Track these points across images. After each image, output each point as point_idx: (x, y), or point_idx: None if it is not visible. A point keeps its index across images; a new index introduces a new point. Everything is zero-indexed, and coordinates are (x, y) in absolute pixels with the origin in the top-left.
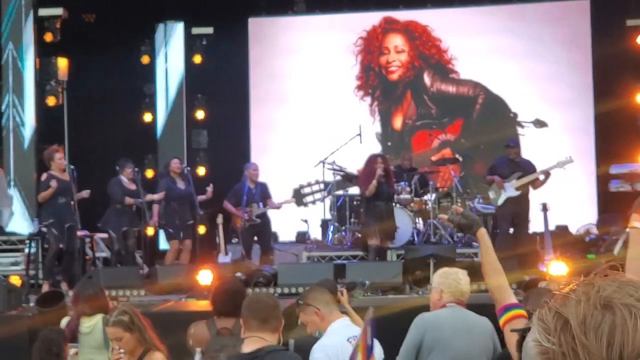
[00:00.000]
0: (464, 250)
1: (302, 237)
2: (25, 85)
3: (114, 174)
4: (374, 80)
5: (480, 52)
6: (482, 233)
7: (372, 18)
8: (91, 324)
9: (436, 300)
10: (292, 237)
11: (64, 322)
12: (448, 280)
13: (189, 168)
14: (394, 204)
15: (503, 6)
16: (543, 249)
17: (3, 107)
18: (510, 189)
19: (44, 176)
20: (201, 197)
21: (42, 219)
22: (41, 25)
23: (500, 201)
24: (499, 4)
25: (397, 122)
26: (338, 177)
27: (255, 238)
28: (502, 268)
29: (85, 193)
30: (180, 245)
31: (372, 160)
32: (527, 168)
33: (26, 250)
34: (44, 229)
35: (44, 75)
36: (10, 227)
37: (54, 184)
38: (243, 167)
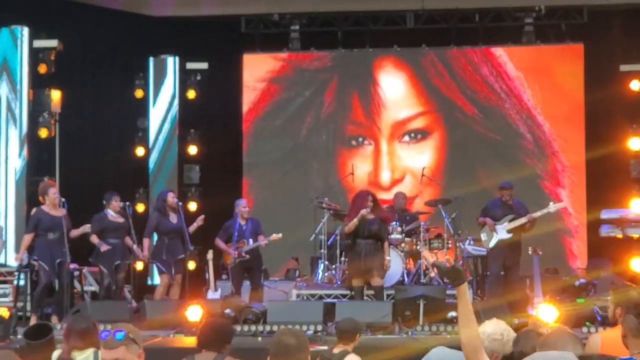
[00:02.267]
0: (454, 292)
1: (291, 275)
2: (18, 116)
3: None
4: (369, 119)
5: (472, 93)
6: (465, 288)
7: (367, 56)
8: (82, 358)
9: None
10: (281, 275)
11: (55, 355)
12: (487, 339)
13: (180, 203)
14: (376, 241)
15: (495, 48)
16: (533, 292)
17: None
18: (502, 232)
19: (33, 211)
20: (192, 226)
21: (33, 254)
22: (35, 56)
23: (492, 244)
24: (492, 46)
25: None
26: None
27: (246, 275)
28: (475, 321)
29: (86, 228)
30: (170, 280)
31: (360, 196)
32: (519, 211)
33: (15, 283)
34: (34, 263)
35: (37, 106)
36: (0, 259)
37: (26, 240)
38: (234, 204)
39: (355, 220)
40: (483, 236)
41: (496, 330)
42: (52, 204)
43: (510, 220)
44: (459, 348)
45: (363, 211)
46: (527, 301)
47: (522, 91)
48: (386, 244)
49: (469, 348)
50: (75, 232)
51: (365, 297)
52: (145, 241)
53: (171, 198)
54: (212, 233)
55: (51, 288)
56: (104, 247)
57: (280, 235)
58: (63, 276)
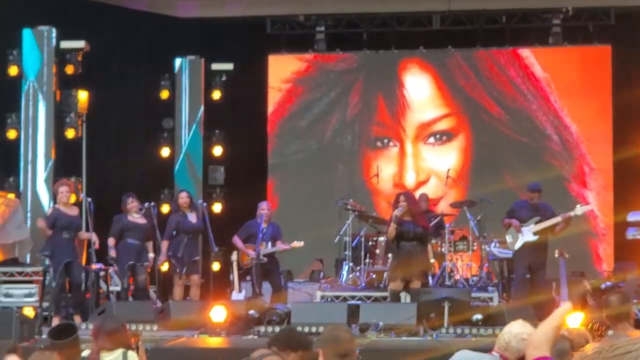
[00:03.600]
0: (479, 294)
1: (316, 276)
2: (45, 117)
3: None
4: (394, 120)
5: (498, 95)
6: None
7: (392, 57)
8: (111, 359)
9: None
10: (305, 276)
11: (85, 354)
12: (515, 339)
13: (205, 204)
14: (420, 243)
15: (522, 49)
16: (559, 295)
17: (22, 138)
18: (528, 234)
19: (49, 211)
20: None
21: (46, 254)
22: (62, 57)
23: (517, 246)
24: (519, 47)
25: None
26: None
27: (265, 277)
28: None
29: (87, 235)
30: (180, 279)
31: (395, 200)
32: (546, 213)
33: (41, 282)
34: (45, 260)
35: (64, 107)
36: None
37: (41, 223)
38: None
39: (393, 223)
40: (508, 238)
41: (523, 330)
42: (62, 202)
43: (537, 222)
44: (483, 350)
45: (395, 211)
46: (553, 304)
47: (549, 92)
48: (429, 246)
49: (546, 335)
50: (83, 235)
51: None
52: (164, 244)
53: (181, 198)
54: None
55: (63, 288)
56: (112, 253)
57: (301, 243)
58: (75, 276)
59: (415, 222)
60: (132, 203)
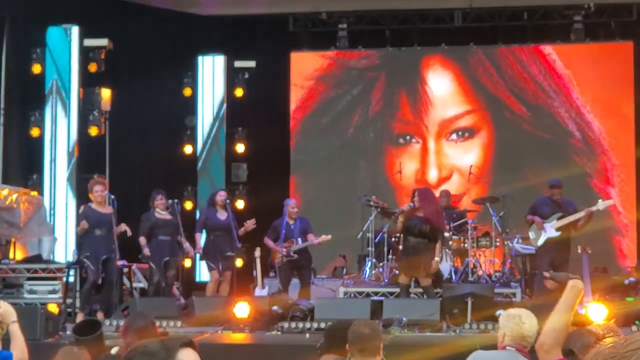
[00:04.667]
0: (502, 290)
1: (339, 272)
2: (69, 115)
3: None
4: (417, 117)
5: (520, 92)
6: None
7: (415, 54)
8: None
9: (499, 342)
10: (328, 272)
11: (114, 351)
12: (510, 323)
13: (228, 201)
14: (428, 240)
15: (544, 46)
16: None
17: (45, 136)
18: (550, 230)
19: (81, 208)
20: (240, 231)
21: (80, 251)
22: (86, 55)
23: (540, 242)
24: (541, 44)
25: None
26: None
27: (295, 273)
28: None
29: (123, 227)
30: (220, 276)
31: (412, 194)
32: (568, 209)
33: (64, 279)
34: (83, 260)
35: (87, 105)
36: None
37: (84, 225)
38: (283, 203)
39: (400, 217)
40: (531, 234)
41: (514, 311)
42: (97, 201)
43: (559, 219)
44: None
45: (404, 206)
46: None
47: (571, 89)
48: (438, 244)
49: (554, 335)
50: (118, 229)
51: (412, 295)
52: (197, 236)
53: (219, 196)
54: (260, 231)
55: (98, 285)
56: (146, 251)
57: (329, 237)
58: (110, 273)
59: (423, 220)
60: (160, 200)
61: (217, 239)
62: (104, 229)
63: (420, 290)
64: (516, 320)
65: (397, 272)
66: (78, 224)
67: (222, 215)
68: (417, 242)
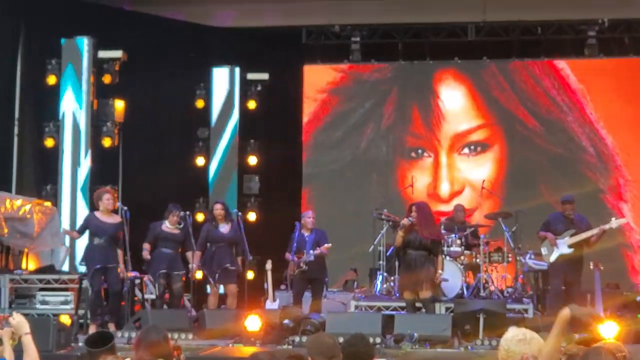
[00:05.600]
0: (514, 306)
1: (350, 286)
2: (82, 126)
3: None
4: (429, 131)
5: (533, 106)
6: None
7: (427, 68)
8: None
9: None
10: (339, 286)
11: None
12: (519, 344)
13: (239, 213)
14: (428, 253)
15: (557, 60)
16: (593, 307)
17: (59, 147)
18: (563, 246)
19: (87, 215)
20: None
21: (80, 260)
22: (100, 67)
23: (552, 258)
24: (554, 59)
25: None
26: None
27: (308, 285)
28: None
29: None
30: (214, 287)
31: (407, 209)
32: (581, 225)
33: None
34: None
35: (101, 116)
36: (64, 266)
37: (73, 234)
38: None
39: (400, 232)
40: (543, 250)
41: (517, 332)
42: (106, 209)
43: (572, 235)
44: None
45: (404, 220)
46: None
47: (584, 104)
48: (440, 257)
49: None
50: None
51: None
52: (196, 254)
53: (216, 209)
54: (270, 243)
55: (99, 295)
56: (145, 254)
57: (329, 245)
58: (112, 283)
59: (421, 234)
60: (174, 217)
61: (218, 250)
62: (104, 238)
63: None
64: (522, 337)
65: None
66: (79, 228)
67: (223, 227)
68: (418, 254)
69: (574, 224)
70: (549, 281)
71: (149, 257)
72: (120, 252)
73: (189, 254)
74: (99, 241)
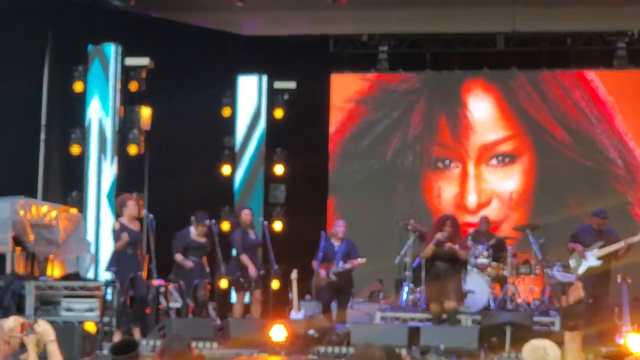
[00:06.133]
0: (540, 319)
1: (375, 297)
2: (109, 133)
3: (189, 224)
4: (456, 141)
5: (562, 117)
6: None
7: (455, 78)
8: None
9: None
10: (365, 296)
11: None
12: (535, 355)
13: (266, 222)
14: (454, 264)
15: (587, 71)
16: (621, 320)
17: (85, 153)
18: (591, 259)
19: (116, 225)
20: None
21: (110, 269)
22: (127, 74)
23: (581, 270)
24: (584, 69)
25: None
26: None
27: (335, 296)
28: None
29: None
30: (242, 295)
31: (440, 220)
32: (610, 237)
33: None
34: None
35: (127, 123)
36: (89, 273)
37: (125, 236)
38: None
39: (432, 245)
40: (572, 262)
41: (539, 343)
42: (131, 216)
43: (600, 247)
44: None
45: (439, 235)
46: (616, 330)
47: (614, 116)
48: (463, 269)
49: None
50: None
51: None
52: (244, 257)
53: (245, 215)
54: (296, 252)
55: (129, 303)
56: (188, 263)
57: (364, 259)
58: (139, 290)
59: (452, 248)
60: (202, 226)
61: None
62: (135, 247)
63: (458, 317)
64: (542, 352)
65: None
66: (117, 239)
67: (251, 234)
68: (447, 267)
69: (602, 236)
70: None
71: (192, 264)
72: (145, 258)
73: (178, 256)
74: (130, 250)
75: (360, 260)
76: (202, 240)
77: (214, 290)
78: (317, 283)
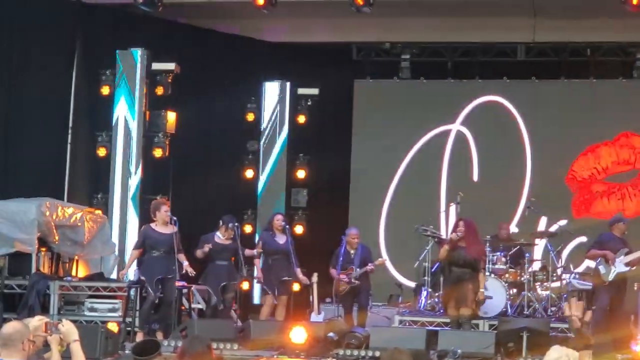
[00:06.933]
0: (557, 325)
1: (394, 301)
2: (135, 136)
3: (215, 227)
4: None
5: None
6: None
7: (475, 87)
8: None
9: None
10: (384, 300)
11: None
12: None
13: (288, 226)
14: (472, 270)
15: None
16: (637, 328)
17: (111, 156)
18: (620, 265)
19: (142, 228)
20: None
21: (140, 271)
22: (153, 78)
23: (611, 277)
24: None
25: None
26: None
27: (355, 298)
28: None
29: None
30: (274, 300)
31: (455, 224)
32: (629, 244)
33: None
34: (142, 279)
35: (153, 127)
36: (113, 274)
37: (206, 248)
38: (344, 231)
39: (446, 245)
40: (601, 269)
41: (561, 353)
42: (163, 221)
43: (626, 254)
44: None
45: (452, 235)
46: (631, 337)
47: None
48: (481, 275)
49: None
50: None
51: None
52: (257, 262)
53: (277, 220)
54: (316, 256)
55: (155, 305)
56: (206, 247)
57: (385, 259)
58: (168, 292)
59: (467, 250)
60: (230, 230)
61: (275, 263)
62: (163, 249)
63: (475, 321)
64: None
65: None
66: (136, 242)
67: (280, 239)
68: (462, 272)
69: (626, 243)
70: (597, 300)
71: (208, 246)
72: (181, 257)
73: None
74: (157, 253)
75: (381, 260)
76: (227, 242)
77: (236, 292)
78: (337, 289)
